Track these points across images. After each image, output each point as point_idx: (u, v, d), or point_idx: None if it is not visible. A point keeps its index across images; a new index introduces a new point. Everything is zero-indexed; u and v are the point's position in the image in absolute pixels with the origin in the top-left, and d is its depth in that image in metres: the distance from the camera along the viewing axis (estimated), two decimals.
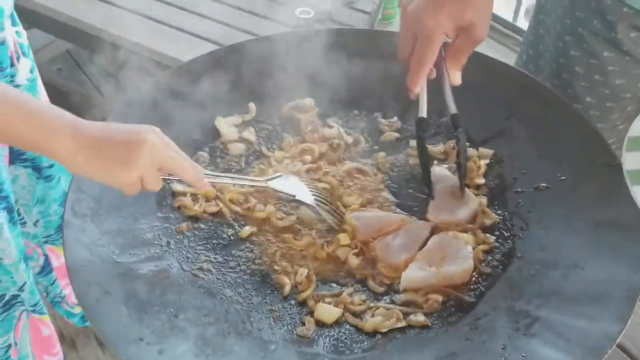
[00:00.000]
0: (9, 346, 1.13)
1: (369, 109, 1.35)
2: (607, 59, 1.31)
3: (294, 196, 1.06)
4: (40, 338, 1.27)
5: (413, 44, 1.00)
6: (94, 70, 2.69)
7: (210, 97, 1.27)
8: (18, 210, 1.22)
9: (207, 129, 1.26)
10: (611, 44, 1.29)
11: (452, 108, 1.06)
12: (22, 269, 1.07)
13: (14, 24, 1.09)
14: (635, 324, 0.99)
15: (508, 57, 3.04)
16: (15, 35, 1.07)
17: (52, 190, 1.37)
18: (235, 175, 1.11)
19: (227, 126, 1.26)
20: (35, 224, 1.36)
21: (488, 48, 3.07)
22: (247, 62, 1.33)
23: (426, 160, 1.11)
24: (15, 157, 1.19)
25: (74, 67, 2.76)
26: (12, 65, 1.09)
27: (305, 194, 1.08)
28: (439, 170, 1.18)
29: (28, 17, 2.27)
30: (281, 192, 1.05)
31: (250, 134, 1.27)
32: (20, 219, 1.25)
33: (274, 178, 1.07)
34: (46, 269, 1.38)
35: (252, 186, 1.10)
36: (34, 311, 1.19)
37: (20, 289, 1.11)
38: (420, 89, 1.04)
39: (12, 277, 1.06)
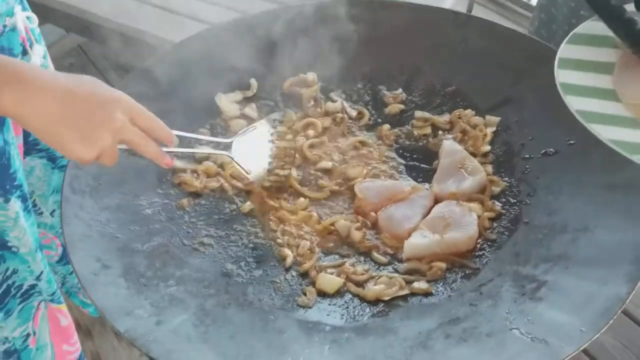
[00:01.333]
0: (28, 335, 1.14)
1: (373, 82, 1.33)
2: None
3: (249, 174, 1.04)
4: (59, 328, 1.27)
5: None
6: (106, 65, 2.69)
7: (211, 73, 1.27)
8: (34, 200, 1.22)
9: (208, 105, 1.25)
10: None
11: None
12: (39, 258, 1.07)
13: (24, 8, 1.08)
14: None
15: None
16: (27, 20, 1.06)
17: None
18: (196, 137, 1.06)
19: (228, 103, 1.25)
20: (52, 214, 1.37)
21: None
22: (249, 37, 1.31)
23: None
24: (31, 147, 1.19)
25: (86, 62, 2.77)
26: (24, 52, 1.08)
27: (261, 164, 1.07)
28: (449, 144, 1.16)
29: (39, 10, 2.29)
30: (239, 166, 1.03)
31: (251, 110, 1.26)
32: (37, 209, 1.26)
33: (239, 137, 1.04)
34: (65, 258, 1.38)
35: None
36: (52, 301, 1.20)
37: (38, 278, 1.11)
38: None
39: (29, 267, 1.06)
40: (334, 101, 1.29)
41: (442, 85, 1.31)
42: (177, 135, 0.89)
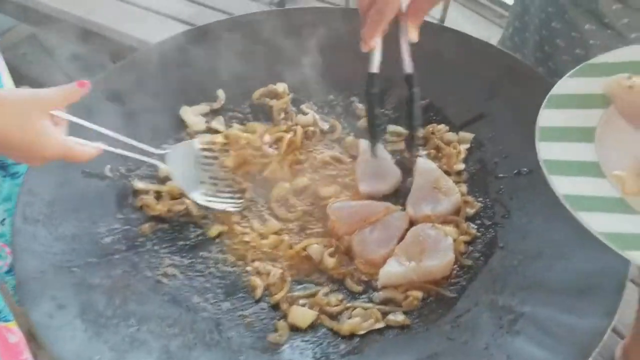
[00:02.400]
0: None
1: (345, 93, 1.29)
2: (589, 32, 1.27)
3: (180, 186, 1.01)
4: (8, 345, 1.20)
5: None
6: (62, 55, 2.57)
7: (176, 84, 1.20)
8: None
9: (172, 119, 1.18)
10: (593, 16, 1.25)
11: (408, 67, 1.03)
12: None
13: None
14: (624, 301, 0.95)
15: (490, 30, 2.97)
16: None
17: (18, 188, 1.31)
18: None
19: (193, 116, 1.19)
20: (2, 223, 1.30)
21: (470, 22, 3.01)
22: (215, 46, 1.25)
23: (373, 119, 1.07)
24: None
25: (40, 52, 2.64)
26: None
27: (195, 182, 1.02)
28: (423, 162, 1.12)
29: None
30: (172, 176, 0.99)
31: (218, 123, 1.20)
32: None
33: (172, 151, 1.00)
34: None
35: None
36: None
37: None
38: (375, 43, 1.00)
39: None
40: (305, 113, 1.24)
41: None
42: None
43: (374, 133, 1.08)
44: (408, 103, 1.05)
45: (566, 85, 0.93)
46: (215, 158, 1.08)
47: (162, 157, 0.98)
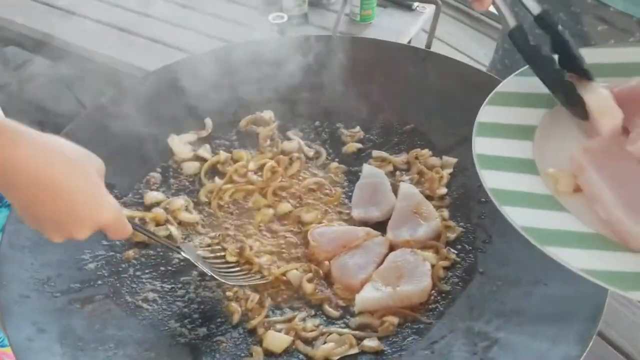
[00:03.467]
0: None
1: (331, 120, 1.31)
2: None
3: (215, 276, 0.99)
4: None
5: None
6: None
7: (165, 113, 1.23)
8: None
9: (160, 147, 1.21)
10: (579, 38, 1.26)
11: (535, 7, 0.89)
12: None
13: None
14: (633, 323, 0.93)
15: (479, 41, 2.97)
16: None
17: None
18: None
19: (180, 144, 1.22)
20: None
21: (466, 36, 3.02)
22: (204, 75, 1.28)
23: (558, 74, 0.88)
24: None
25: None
26: None
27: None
28: (405, 188, 1.14)
29: None
30: (202, 268, 0.98)
31: (205, 151, 1.23)
32: None
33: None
34: None
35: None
36: None
37: None
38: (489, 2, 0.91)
39: None
40: (290, 139, 1.26)
41: (400, 124, 1.29)
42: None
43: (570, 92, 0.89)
44: (559, 45, 0.89)
45: (512, 83, 0.92)
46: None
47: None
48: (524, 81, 0.92)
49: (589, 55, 0.92)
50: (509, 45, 1.47)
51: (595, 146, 0.78)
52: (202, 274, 1.02)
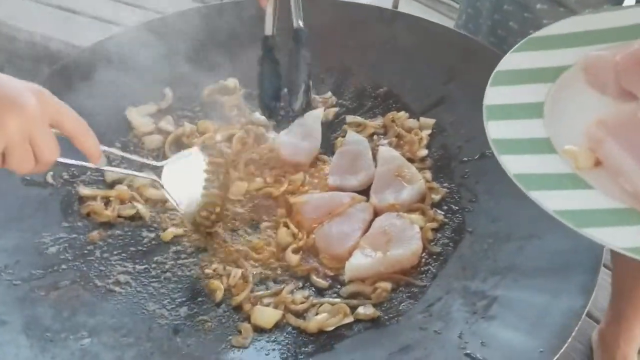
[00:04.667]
0: None
1: None
2: (541, 11, 1.26)
3: (179, 207, 0.90)
4: None
5: None
6: None
7: (119, 84, 1.14)
8: None
9: (117, 121, 1.12)
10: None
11: (296, 21, 0.97)
12: None
13: None
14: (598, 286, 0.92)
15: (440, 20, 2.97)
16: None
17: None
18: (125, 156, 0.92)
19: (140, 117, 1.13)
20: None
21: (419, 12, 3.00)
22: (159, 43, 1.19)
23: (272, 78, 1.00)
24: None
25: None
26: None
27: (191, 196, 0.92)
28: (385, 151, 1.09)
29: None
30: (169, 196, 0.90)
31: (167, 123, 1.14)
32: None
33: (170, 163, 0.91)
34: None
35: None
36: None
37: None
38: (266, 3, 0.95)
39: None
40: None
41: (373, 87, 1.24)
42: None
43: (268, 105, 1.00)
44: (292, 63, 0.97)
45: (511, 60, 0.90)
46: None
47: (155, 171, 0.90)
48: (521, 57, 0.89)
49: (577, 23, 0.91)
50: (472, 9, 1.44)
51: (609, 117, 0.75)
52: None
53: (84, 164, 0.76)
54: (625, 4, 1.29)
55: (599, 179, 0.72)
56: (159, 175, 0.88)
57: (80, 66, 1.13)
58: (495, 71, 0.87)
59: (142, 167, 0.93)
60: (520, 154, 0.75)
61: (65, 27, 1.92)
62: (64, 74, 1.12)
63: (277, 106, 1.02)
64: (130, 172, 0.91)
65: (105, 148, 0.79)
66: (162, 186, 0.89)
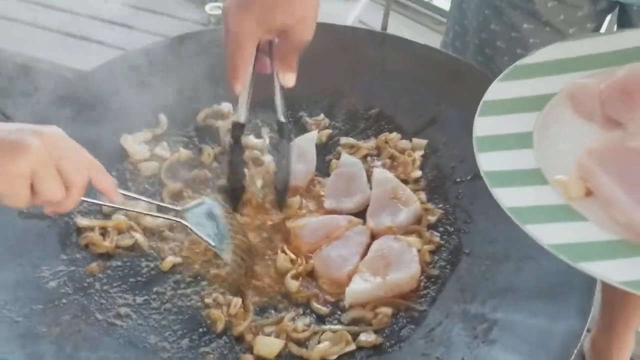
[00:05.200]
0: None
1: (293, 109, 1.25)
2: (527, 30, 1.28)
3: (211, 244, 0.93)
4: None
5: None
6: None
7: (114, 111, 1.14)
8: None
9: (112, 148, 1.12)
10: (530, 15, 1.26)
11: (280, 115, 0.98)
12: None
13: None
14: None
15: (429, 37, 3.01)
16: None
17: None
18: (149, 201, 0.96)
19: (135, 144, 1.13)
20: None
21: (407, 29, 3.04)
22: (154, 69, 1.19)
23: (238, 166, 1.01)
24: None
25: None
26: None
27: (221, 240, 0.94)
28: (379, 173, 1.10)
29: None
30: (198, 235, 0.92)
31: (163, 149, 1.14)
32: None
33: (192, 208, 0.94)
34: None
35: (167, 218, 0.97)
36: None
37: None
38: (240, 90, 0.94)
39: None
40: (257, 136, 1.19)
41: (365, 109, 1.25)
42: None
43: (234, 190, 1.02)
44: (281, 152, 1.01)
45: (498, 89, 0.90)
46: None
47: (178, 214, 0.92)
48: (507, 86, 0.90)
49: (561, 50, 0.93)
50: (459, 27, 1.46)
51: (598, 147, 0.76)
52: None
53: (107, 204, 0.78)
54: (605, 22, 1.33)
55: (592, 209, 0.73)
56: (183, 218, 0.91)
57: (74, 95, 1.13)
58: (482, 101, 0.88)
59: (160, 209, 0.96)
60: (513, 186, 0.76)
61: (60, 50, 1.92)
62: (59, 102, 1.11)
63: (240, 195, 1.04)
64: (156, 214, 0.95)
65: (125, 192, 0.84)
66: (191, 229, 0.91)
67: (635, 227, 0.69)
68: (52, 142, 0.70)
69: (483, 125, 0.84)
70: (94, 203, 0.89)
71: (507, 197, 0.75)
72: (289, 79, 0.96)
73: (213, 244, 0.92)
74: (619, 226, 0.70)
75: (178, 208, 0.94)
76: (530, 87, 0.88)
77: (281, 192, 1.04)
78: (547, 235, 0.70)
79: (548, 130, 0.83)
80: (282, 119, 0.98)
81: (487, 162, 0.79)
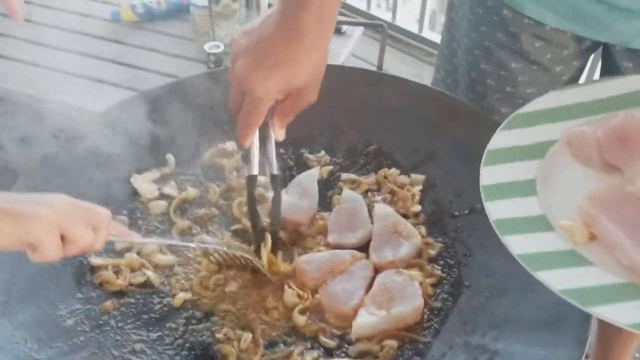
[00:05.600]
0: None
1: (295, 146, 1.30)
2: (516, 69, 1.34)
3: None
4: None
5: (242, 101, 0.92)
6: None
7: (123, 152, 1.18)
8: None
9: (123, 188, 1.16)
10: (518, 55, 1.32)
11: (274, 168, 1.01)
12: None
13: None
14: None
15: (418, 67, 3.09)
16: None
17: None
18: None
19: (144, 183, 1.17)
20: None
21: (398, 61, 3.12)
22: (159, 110, 1.24)
23: (255, 215, 1.04)
24: None
25: None
26: None
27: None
28: (380, 208, 1.14)
29: None
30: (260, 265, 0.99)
31: (171, 188, 1.18)
32: None
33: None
34: None
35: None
36: None
37: None
38: (249, 144, 0.97)
39: None
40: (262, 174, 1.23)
41: (364, 145, 1.30)
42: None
43: (257, 234, 1.05)
44: (273, 203, 1.03)
45: (500, 139, 0.95)
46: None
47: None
48: (509, 135, 0.95)
49: (558, 98, 0.98)
50: (450, 65, 1.52)
51: (599, 193, 0.81)
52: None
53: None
54: (590, 60, 1.38)
55: (597, 253, 0.77)
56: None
57: (84, 136, 1.16)
58: (486, 150, 0.93)
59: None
60: (521, 233, 0.80)
61: (67, 90, 1.95)
62: (70, 144, 1.15)
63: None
64: (227, 250, 0.99)
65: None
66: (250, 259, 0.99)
67: (639, 270, 0.73)
68: (67, 202, 0.77)
69: (488, 174, 0.89)
70: (126, 241, 0.96)
71: (517, 245, 0.79)
72: (282, 134, 0.99)
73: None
74: (623, 269, 0.75)
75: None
76: (531, 135, 0.93)
77: (273, 242, 1.06)
78: (557, 281, 0.74)
79: (550, 177, 0.88)
80: (275, 171, 1.01)
81: (495, 210, 0.83)
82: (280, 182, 1.03)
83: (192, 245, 1.01)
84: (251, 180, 1.00)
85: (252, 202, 1.02)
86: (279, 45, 0.86)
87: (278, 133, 0.98)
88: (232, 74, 0.92)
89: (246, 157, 1.24)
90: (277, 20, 0.86)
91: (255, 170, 0.99)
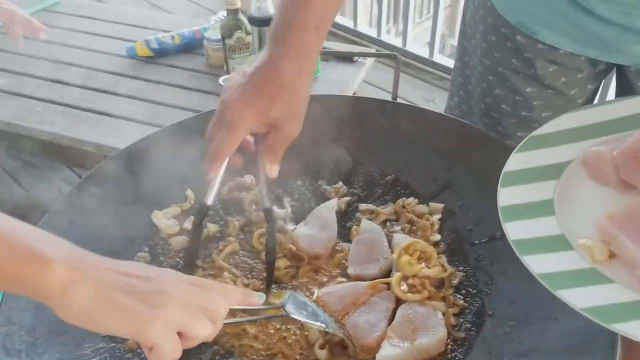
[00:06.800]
0: None
1: (312, 177, 1.31)
2: (531, 94, 1.35)
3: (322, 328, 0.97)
4: None
5: (218, 130, 0.96)
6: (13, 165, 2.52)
7: (144, 188, 1.19)
8: None
9: (144, 225, 1.17)
10: (533, 80, 1.33)
11: (266, 202, 1.02)
12: None
13: None
14: None
15: (431, 91, 3.11)
16: None
17: None
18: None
19: (165, 219, 1.18)
20: None
21: (410, 86, 3.14)
22: (179, 145, 1.25)
23: (196, 246, 1.07)
24: None
25: None
26: None
27: (326, 321, 0.98)
28: (400, 239, 1.14)
29: None
30: (311, 324, 0.97)
31: (191, 223, 1.19)
32: None
33: (287, 302, 0.97)
34: None
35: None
36: None
37: None
38: (214, 175, 0.98)
39: None
40: (279, 206, 1.24)
41: (381, 175, 1.30)
42: None
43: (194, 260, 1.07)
44: (267, 235, 1.05)
45: (516, 160, 0.97)
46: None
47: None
48: (525, 156, 0.96)
49: (573, 120, 0.99)
50: (464, 92, 1.53)
51: (617, 211, 0.81)
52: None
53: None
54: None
55: (617, 270, 0.78)
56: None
57: (105, 173, 1.19)
58: (503, 172, 0.94)
59: None
60: (540, 252, 0.81)
61: (84, 126, 1.98)
62: (89, 182, 1.17)
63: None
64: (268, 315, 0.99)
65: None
66: (299, 320, 0.96)
67: None
68: (186, 291, 0.73)
69: (506, 196, 0.90)
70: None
71: (536, 264, 0.80)
72: (274, 171, 1.01)
73: (323, 327, 0.96)
74: None
75: (278, 304, 0.97)
76: (547, 156, 0.94)
77: (268, 275, 1.06)
78: (578, 299, 0.75)
79: (567, 197, 0.89)
80: (267, 205, 1.02)
81: (514, 231, 0.84)
82: (273, 215, 1.04)
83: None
84: (201, 208, 1.01)
85: (197, 231, 1.05)
86: (259, 81, 0.94)
87: (269, 170, 1.01)
88: (217, 105, 0.98)
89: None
90: (260, 62, 0.96)
91: (209, 200, 0.99)
